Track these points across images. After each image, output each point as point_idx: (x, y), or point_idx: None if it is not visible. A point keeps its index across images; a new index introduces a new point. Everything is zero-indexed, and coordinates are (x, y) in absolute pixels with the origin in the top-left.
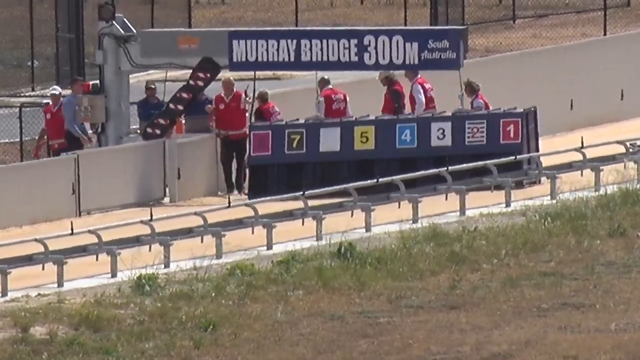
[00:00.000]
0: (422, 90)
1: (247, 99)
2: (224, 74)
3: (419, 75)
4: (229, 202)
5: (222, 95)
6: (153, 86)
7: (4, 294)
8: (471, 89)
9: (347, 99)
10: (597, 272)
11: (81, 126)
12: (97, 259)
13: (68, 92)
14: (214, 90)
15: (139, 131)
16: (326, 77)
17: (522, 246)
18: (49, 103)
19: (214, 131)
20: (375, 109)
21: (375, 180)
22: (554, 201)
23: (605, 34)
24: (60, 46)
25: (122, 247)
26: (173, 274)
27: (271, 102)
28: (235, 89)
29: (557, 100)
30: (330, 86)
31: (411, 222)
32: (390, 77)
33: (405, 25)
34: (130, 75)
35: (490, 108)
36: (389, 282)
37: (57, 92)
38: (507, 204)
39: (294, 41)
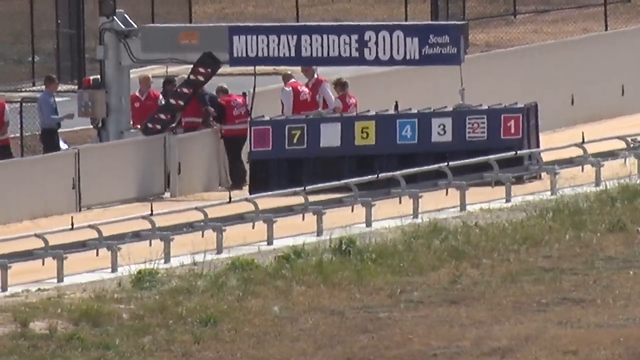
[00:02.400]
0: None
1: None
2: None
3: (316, 75)
4: (230, 197)
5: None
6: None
7: (4, 289)
8: (341, 86)
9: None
10: (597, 267)
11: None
12: (97, 254)
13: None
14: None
15: (139, 126)
16: (289, 72)
17: (522, 241)
18: None
19: (214, 127)
20: (376, 104)
21: (376, 175)
22: (555, 196)
23: (606, 30)
24: (61, 41)
25: (122, 242)
26: (173, 269)
27: (233, 95)
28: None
29: (558, 96)
30: (294, 80)
31: (412, 217)
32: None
33: (406, 20)
34: (131, 71)
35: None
36: (389, 277)
37: None
38: (508, 200)
39: (295, 36)
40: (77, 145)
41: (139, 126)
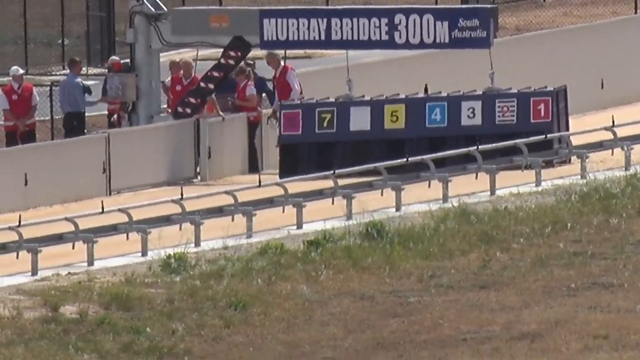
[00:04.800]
0: (296, 77)
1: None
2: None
3: (282, 63)
4: (260, 181)
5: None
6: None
7: (34, 273)
8: (244, 75)
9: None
10: (627, 251)
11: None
12: (127, 238)
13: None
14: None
15: (169, 110)
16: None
17: (552, 226)
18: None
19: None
20: (406, 88)
21: (405, 159)
22: (584, 180)
23: (635, 12)
24: (91, 24)
25: (152, 226)
26: (203, 253)
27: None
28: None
29: (588, 79)
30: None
31: (441, 201)
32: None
33: (436, 4)
34: (161, 54)
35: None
36: (419, 262)
37: (20, 73)
38: (537, 184)
39: (325, 20)
40: (107, 130)
41: (169, 110)
